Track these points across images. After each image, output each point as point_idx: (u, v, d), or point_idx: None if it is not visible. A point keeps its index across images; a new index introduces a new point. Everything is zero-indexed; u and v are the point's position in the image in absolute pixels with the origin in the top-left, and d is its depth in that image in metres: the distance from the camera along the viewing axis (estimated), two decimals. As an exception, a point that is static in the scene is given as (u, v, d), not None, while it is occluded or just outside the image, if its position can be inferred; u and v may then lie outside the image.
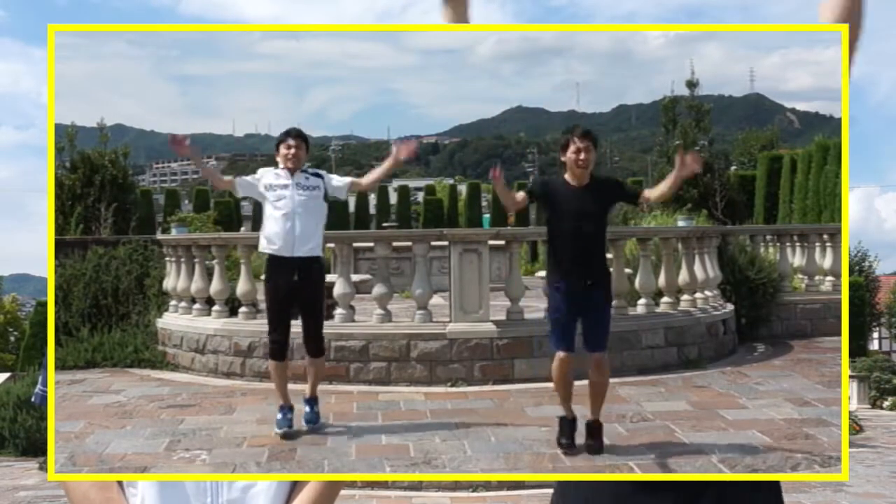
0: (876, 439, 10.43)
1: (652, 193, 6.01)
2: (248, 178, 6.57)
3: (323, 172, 6.57)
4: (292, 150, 6.32)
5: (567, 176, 5.85)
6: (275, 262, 6.33)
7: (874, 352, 21.60)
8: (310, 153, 6.55)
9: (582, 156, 5.70)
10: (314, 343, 6.56)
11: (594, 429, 6.01)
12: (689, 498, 1.94)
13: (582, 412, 6.11)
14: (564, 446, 5.98)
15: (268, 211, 6.33)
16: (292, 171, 6.32)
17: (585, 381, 6.03)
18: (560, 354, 5.84)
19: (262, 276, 6.56)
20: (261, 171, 6.54)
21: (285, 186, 6.28)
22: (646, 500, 1.95)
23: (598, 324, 5.85)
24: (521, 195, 6.06)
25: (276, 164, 6.44)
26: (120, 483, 2.17)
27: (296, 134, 6.42)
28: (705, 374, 8.85)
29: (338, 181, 6.60)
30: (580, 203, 5.73)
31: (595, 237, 5.85)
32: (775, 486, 2.05)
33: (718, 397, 7.73)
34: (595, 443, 5.97)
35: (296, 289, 6.33)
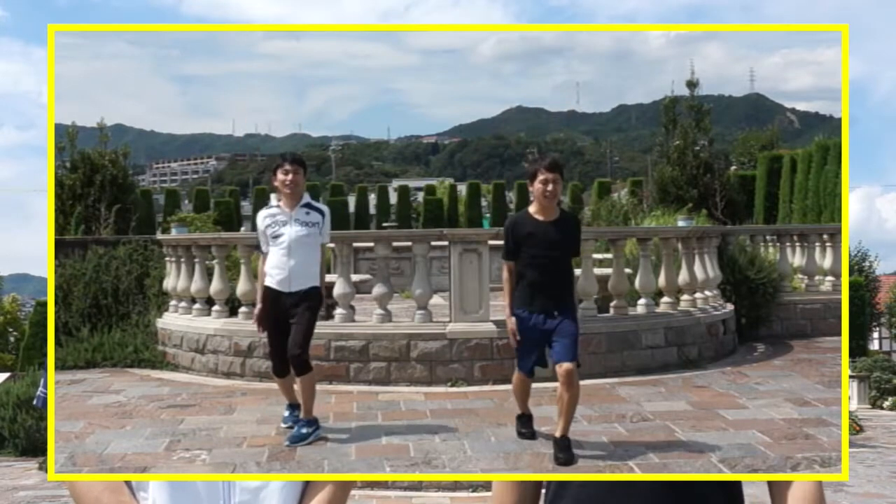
0: (876, 439, 10.43)
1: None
2: (258, 234, 6.43)
3: (326, 211, 6.41)
4: (290, 177, 6.23)
5: (533, 209, 5.91)
6: (272, 293, 6.30)
7: (874, 352, 21.60)
8: (307, 176, 6.43)
9: (549, 187, 5.77)
10: (297, 359, 6.21)
11: (563, 445, 5.75)
12: None
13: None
14: (524, 435, 6.31)
15: (270, 247, 6.34)
16: (291, 204, 6.25)
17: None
18: (520, 374, 6.11)
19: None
20: (259, 215, 6.42)
21: (284, 223, 6.25)
22: None
23: (566, 338, 5.75)
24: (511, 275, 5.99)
25: (274, 189, 6.41)
26: (129, 485, 2.15)
27: (292, 160, 6.32)
28: (705, 374, 8.86)
29: (326, 237, 6.48)
30: (548, 238, 5.80)
31: (562, 271, 5.90)
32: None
33: (718, 397, 7.73)
34: (565, 455, 5.69)
35: (291, 316, 6.28)
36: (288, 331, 6.26)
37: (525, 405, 6.36)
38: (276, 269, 6.27)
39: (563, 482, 2.14)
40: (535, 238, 5.83)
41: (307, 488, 2.19)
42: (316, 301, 6.38)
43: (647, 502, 1.98)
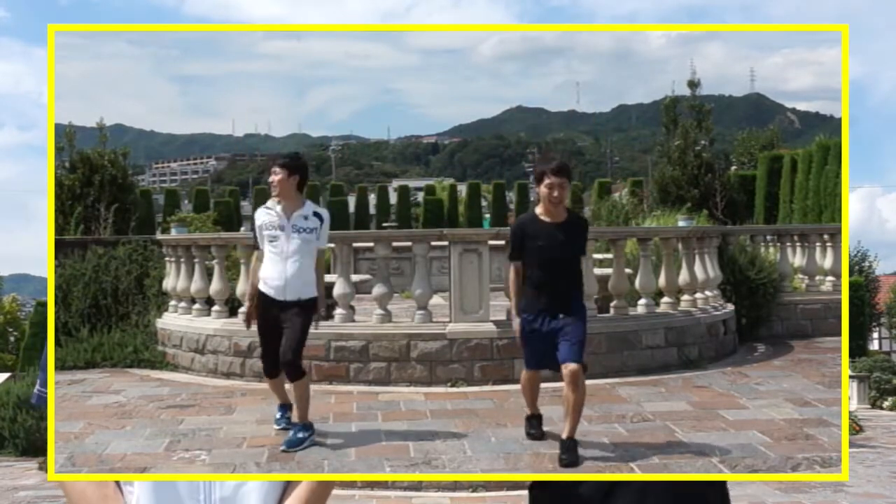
0: (876, 439, 10.42)
1: None
2: (255, 231, 6.31)
3: (325, 216, 6.26)
4: (271, 178, 6.17)
5: (540, 210, 5.90)
6: (266, 300, 6.20)
7: (874, 352, 21.61)
8: (305, 178, 6.22)
9: (556, 192, 5.74)
10: (290, 366, 6.12)
11: (569, 446, 5.73)
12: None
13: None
14: (533, 436, 6.33)
15: (265, 250, 6.20)
16: (288, 210, 6.10)
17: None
18: (527, 372, 6.20)
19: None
20: (258, 212, 6.30)
21: (281, 227, 6.11)
22: None
23: (571, 339, 5.72)
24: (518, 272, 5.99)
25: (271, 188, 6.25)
26: (117, 481, 2.18)
27: (276, 162, 6.19)
28: (705, 374, 8.85)
29: (323, 241, 6.30)
30: (555, 241, 5.79)
31: (569, 273, 5.90)
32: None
33: (718, 397, 7.73)
34: (569, 457, 5.68)
35: (284, 320, 6.16)
36: (281, 335, 6.16)
37: (534, 404, 6.39)
38: (271, 277, 6.15)
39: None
40: (543, 240, 5.83)
41: (288, 486, 2.21)
42: (310, 308, 6.23)
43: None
